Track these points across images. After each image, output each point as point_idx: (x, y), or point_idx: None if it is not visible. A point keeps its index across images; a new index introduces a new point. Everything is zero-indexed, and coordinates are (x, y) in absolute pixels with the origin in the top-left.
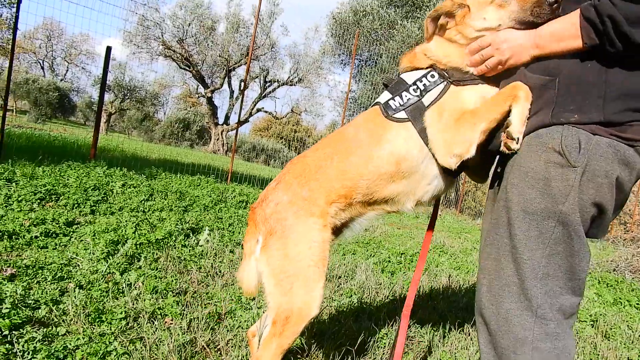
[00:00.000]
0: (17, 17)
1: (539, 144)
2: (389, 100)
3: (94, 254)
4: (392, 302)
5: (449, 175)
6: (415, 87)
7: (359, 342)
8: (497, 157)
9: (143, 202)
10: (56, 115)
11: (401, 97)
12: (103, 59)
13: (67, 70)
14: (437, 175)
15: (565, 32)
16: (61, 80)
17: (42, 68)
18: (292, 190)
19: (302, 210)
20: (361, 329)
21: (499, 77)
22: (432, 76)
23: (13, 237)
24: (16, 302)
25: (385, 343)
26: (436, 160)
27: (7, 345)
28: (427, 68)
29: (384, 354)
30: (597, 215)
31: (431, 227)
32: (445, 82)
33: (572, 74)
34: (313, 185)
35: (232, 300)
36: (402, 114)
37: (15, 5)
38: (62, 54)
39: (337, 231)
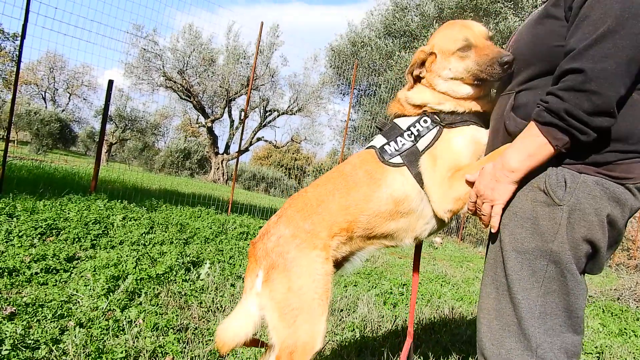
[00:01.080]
0: (20, 53)
1: (526, 183)
2: (384, 145)
3: (94, 290)
4: (395, 335)
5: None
6: (409, 132)
7: None
8: None
9: (144, 235)
10: (57, 145)
11: (396, 143)
12: (105, 92)
13: (68, 101)
14: (434, 216)
15: (532, 147)
16: (62, 111)
17: (44, 99)
18: (295, 224)
19: (304, 243)
20: None
21: (486, 115)
22: (425, 121)
23: (13, 273)
24: (16, 342)
25: None
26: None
27: None
28: (418, 114)
29: None
30: (591, 253)
31: (416, 269)
32: (437, 127)
33: None
34: (315, 219)
35: None
36: (397, 159)
37: (19, 39)
38: (64, 85)
39: (337, 265)
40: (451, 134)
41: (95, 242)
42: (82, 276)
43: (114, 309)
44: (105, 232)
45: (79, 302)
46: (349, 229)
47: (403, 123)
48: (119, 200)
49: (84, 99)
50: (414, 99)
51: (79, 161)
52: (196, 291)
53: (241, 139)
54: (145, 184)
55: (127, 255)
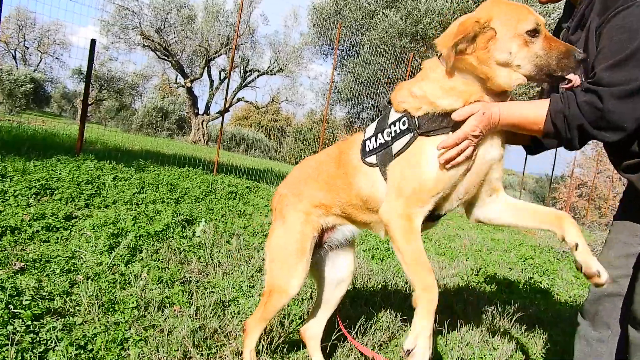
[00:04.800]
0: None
1: None
2: (368, 139)
3: (96, 246)
4: (385, 287)
5: None
6: (389, 130)
7: (358, 324)
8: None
9: (135, 194)
10: (30, 106)
11: (376, 139)
12: (81, 50)
13: (40, 60)
14: None
15: (530, 122)
16: (34, 70)
17: (15, 58)
18: (291, 187)
19: (291, 205)
20: (360, 314)
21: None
22: (404, 123)
23: (15, 231)
24: (33, 294)
25: (381, 325)
26: None
27: (32, 334)
28: (402, 112)
29: (381, 335)
30: None
31: None
32: (413, 133)
33: None
34: (303, 189)
35: (234, 289)
36: (372, 159)
37: None
38: (35, 43)
39: (328, 231)
40: (425, 143)
41: (89, 201)
42: (82, 234)
43: (118, 264)
44: (98, 192)
45: (83, 258)
46: (328, 207)
47: (392, 115)
48: (108, 161)
49: (57, 58)
50: (428, 92)
51: (55, 122)
52: (194, 247)
53: (226, 99)
54: (127, 145)
55: (124, 214)
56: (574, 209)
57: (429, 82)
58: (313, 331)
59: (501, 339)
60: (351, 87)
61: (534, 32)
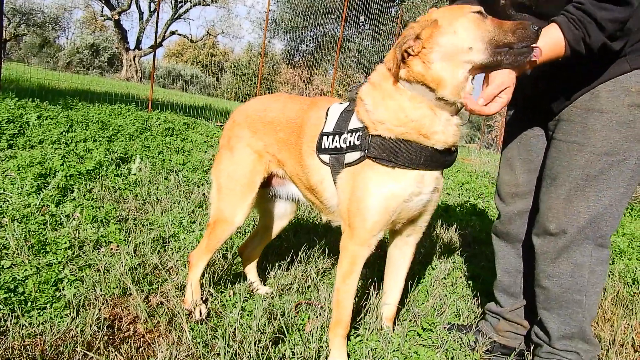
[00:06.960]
0: None
1: (621, 88)
2: (324, 135)
3: (23, 188)
4: None
5: None
6: (346, 137)
7: (301, 252)
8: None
9: (63, 133)
10: None
11: (333, 140)
12: None
13: None
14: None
15: (550, 56)
16: None
17: None
18: (250, 120)
19: (246, 139)
20: (302, 242)
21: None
22: (358, 138)
23: None
24: None
25: (324, 253)
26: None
27: None
28: (361, 122)
29: (324, 261)
30: None
31: None
32: (362, 153)
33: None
34: (261, 129)
35: (174, 225)
36: (326, 158)
37: None
38: None
39: (278, 178)
40: (371, 169)
41: (12, 142)
42: (6, 175)
43: (47, 205)
44: (22, 131)
45: (8, 200)
46: (280, 163)
47: (354, 119)
48: (31, 99)
49: None
50: (374, 113)
51: None
52: (130, 185)
53: (156, 31)
54: (53, 84)
55: (51, 154)
56: None
57: (380, 95)
58: (250, 252)
59: (439, 258)
60: (290, 19)
61: (479, 13)
